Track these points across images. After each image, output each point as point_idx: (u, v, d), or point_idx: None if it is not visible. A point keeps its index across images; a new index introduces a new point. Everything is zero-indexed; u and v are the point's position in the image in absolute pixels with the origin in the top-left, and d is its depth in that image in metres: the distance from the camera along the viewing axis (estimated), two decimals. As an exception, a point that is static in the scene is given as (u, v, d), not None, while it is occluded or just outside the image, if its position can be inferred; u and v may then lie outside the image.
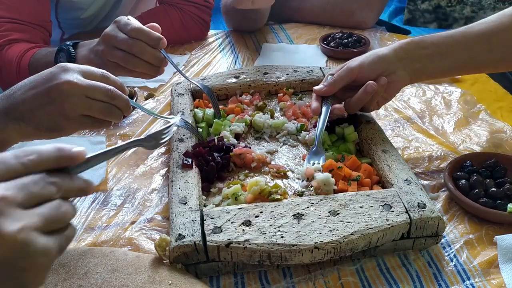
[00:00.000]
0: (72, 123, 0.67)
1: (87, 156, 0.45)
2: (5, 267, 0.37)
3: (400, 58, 0.84)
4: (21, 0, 1.10)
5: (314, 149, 0.83)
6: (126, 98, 0.70)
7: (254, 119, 0.93)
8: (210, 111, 0.95)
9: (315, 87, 0.89)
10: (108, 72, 0.70)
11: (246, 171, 0.82)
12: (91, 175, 0.86)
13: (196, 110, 0.97)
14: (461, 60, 0.86)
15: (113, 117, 0.70)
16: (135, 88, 1.14)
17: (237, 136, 0.90)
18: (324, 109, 0.87)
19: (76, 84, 0.64)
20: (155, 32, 0.86)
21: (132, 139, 0.60)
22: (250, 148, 0.87)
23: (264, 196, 0.73)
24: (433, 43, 0.84)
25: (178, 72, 0.93)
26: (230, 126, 0.91)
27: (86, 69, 0.68)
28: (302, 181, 0.79)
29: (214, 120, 0.92)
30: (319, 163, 0.79)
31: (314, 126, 0.92)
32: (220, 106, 0.99)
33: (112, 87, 0.68)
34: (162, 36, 0.86)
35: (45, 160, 0.41)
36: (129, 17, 0.88)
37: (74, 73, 0.65)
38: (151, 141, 0.64)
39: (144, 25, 0.90)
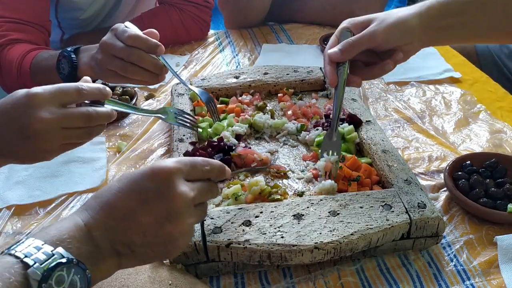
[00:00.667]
0: (53, 153, 0.66)
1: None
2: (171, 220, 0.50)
3: (423, 28, 0.78)
4: (21, 0, 1.10)
5: (330, 134, 0.79)
6: (105, 112, 0.67)
7: (254, 119, 0.93)
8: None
9: (330, 51, 0.79)
10: (81, 84, 0.65)
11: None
12: (91, 176, 0.86)
13: (196, 107, 0.97)
14: (479, 31, 0.81)
15: (94, 135, 0.68)
16: (135, 89, 1.14)
17: (238, 137, 0.90)
18: (339, 81, 0.78)
19: (48, 121, 0.60)
20: (152, 39, 0.85)
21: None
22: (250, 148, 0.87)
23: (264, 196, 0.73)
24: (456, 12, 0.78)
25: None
26: (232, 127, 0.91)
27: (58, 91, 0.63)
28: (320, 179, 0.77)
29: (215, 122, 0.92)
30: (334, 154, 0.77)
31: (314, 126, 0.92)
32: (220, 106, 0.99)
33: (88, 110, 0.65)
34: (159, 43, 0.85)
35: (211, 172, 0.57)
36: (127, 23, 0.88)
37: (45, 104, 0.61)
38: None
39: (143, 26, 0.90)
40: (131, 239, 0.49)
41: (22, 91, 0.62)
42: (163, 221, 0.50)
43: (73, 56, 0.95)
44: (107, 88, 0.68)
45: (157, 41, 0.85)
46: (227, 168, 0.59)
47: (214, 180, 0.58)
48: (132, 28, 0.86)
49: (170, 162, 0.52)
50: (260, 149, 0.88)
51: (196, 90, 0.96)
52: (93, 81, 1.03)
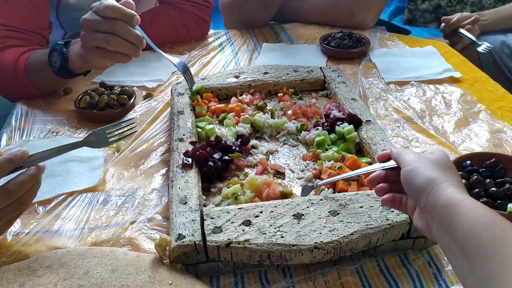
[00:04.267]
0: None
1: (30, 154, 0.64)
2: None
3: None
4: (21, 9, 1.10)
5: None
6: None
7: (254, 119, 0.93)
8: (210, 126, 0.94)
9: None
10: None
11: (246, 171, 0.82)
12: (89, 175, 0.86)
13: (196, 107, 0.97)
14: None
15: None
16: (134, 88, 1.14)
17: (241, 136, 0.89)
18: None
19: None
20: (128, 9, 0.86)
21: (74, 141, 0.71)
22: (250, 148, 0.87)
23: (268, 185, 0.74)
24: None
25: (177, 70, 0.93)
26: (235, 128, 0.91)
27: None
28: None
29: (207, 126, 0.92)
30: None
31: (314, 126, 0.92)
32: (220, 106, 0.99)
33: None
34: (135, 13, 0.87)
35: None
36: None
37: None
38: (95, 140, 0.73)
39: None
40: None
41: None
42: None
43: (64, 49, 0.96)
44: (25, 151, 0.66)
45: (133, 11, 0.87)
46: None
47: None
48: (108, 0, 0.88)
49: None
50: (260, 149, 0.88)
51: (172, 59, 0.98)
52: (84, 74, 1.05)
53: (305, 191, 0.74)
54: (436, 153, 0.59)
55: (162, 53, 0.98)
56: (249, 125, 0.93)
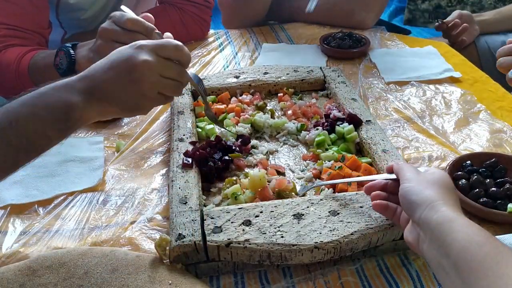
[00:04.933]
0: (150, 101, 0.70)
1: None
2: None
3: None
4: (20, 8, 1.10)
5: None
6: (188, 74, 0.74)
7: (254, 119, 0.93)
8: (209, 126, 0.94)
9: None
10: (180, 44, 0.71)
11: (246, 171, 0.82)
12: (89, 175, 0.86)
13: (196, 107, 0.97)
14: None
15: (179, 93, 0.74)
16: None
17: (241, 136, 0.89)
18: None
19: (151, 64, 0.66)
20: (149, 23, 0.86)
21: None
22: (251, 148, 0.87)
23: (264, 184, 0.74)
24: None
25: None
26: (235, 127, 0.91)
27: (160, 43, 0.70)
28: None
29: (207, 126, 0.92)
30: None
31: (314, 126, 0.92)
32: (220, 106, 0.99)
33: (180, 66, 0.72)
34: (155, 27, 0.86)
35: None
36: (123, 7, 0.89)
37: (149, 51, 0.67)
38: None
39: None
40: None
41: (125, 46, 0.69)
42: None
43: (71, 51, 0.95)
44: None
45: (153, 26, 0.86)
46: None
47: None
48: (129, 13, 0.88)
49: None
50: (260, 149, 0.88)
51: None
52: None
53: (304, 189, 0.75)
54: (437, 174, 0.60)
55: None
56: (249, 125, 0.93)
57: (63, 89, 0.64)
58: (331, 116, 0.93)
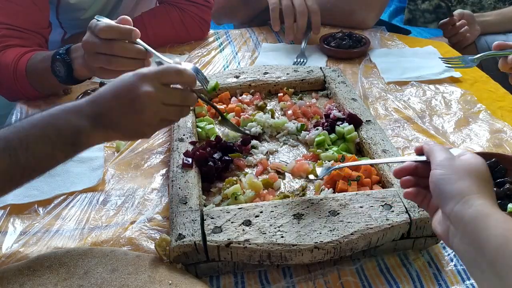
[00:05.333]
0: (153, 128, 0.72)
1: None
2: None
3: None
4: (20, 7, 1.10)
5: None
6: (194, 96, 0.74)
7: (254, 119, 0.93)
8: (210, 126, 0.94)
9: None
10: (181, 68, 0.72)
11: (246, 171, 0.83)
12: (89, 175, 0.86)
13: (196, 107, 0.97)
14: None
15: (184, 115, 0.75)
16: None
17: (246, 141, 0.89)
18: None
19: (154, 95, 0.67)
20: (124, 26, 0.85)
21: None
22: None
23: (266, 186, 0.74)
24: None
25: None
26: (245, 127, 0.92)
27: (161, 72, 0.70)
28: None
29: (207, 126, 0.92)
30: None
31: (314, 126, 0.92)
32: (220, 107, 0.99)
33: (184, 90, 0.72)
34: (133, 28, 0.85)
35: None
36: (97, 16, 0.88)
37: (151, 80, 0.68)
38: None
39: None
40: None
41: (129, 74, 0.69)
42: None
43: (67, 58, 0.95)
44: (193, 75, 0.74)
45: (130, 27, 0.85)
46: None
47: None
48: (102, 21, 0.86)
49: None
50: (260, 149, 0.88)
51: (182, 64, 0.94)
52: (90, 78, 1.04)
53: (325, 171, 0.73)
54: (473, 161, 0.54)
55: (169, 60, 0.95)
56: (259, 126, 0.93)
57: (73, 113, 0.66)
58: (331, 116, 0.93)
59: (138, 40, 0.86)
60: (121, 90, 0.67)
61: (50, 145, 0.64)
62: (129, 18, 0.88)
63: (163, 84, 0.69)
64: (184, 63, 0.90)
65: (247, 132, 0.91)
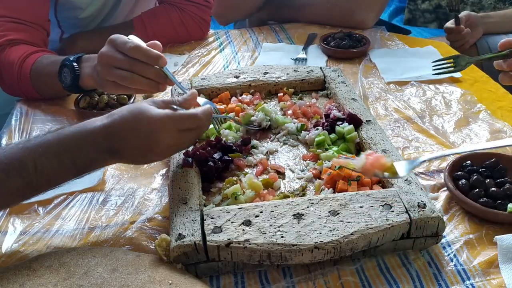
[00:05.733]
0: (164, 157, 0.77)
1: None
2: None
3: None
4: (22, 1, 1.10)
5: None
6: (206, 124, 0.75)
7: (263, 107, 0.94)
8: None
9: None
10: (199, 113, 0.72)
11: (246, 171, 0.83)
12: (89, 176, 0.85)
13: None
14: None
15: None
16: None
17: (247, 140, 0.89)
18: None
19: (172, 142, 0.70)
20: (154, 50, 0.83)
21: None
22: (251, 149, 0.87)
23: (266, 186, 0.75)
24: None
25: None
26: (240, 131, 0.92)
27: (179, 118, 0.70)
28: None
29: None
30: None
31: (314, 126, 0.92)
32: (219, 107, 0.99)
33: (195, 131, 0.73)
34: (161, 55, 0.84)
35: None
36: (131, 36, 0.86)
37: (170, 130, 0.68)
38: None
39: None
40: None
41: (144, 111, 0.68)
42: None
43: (75, 65, 0.94)
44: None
45: (159, 53, 0.84)
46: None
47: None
48: (134, 40, 0.85)
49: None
50: (260, 149, 0.88)
51: (201, 101, 0.90)
52: (93, 91, 1.04)
53: (409, 167, 0.71)
54: None
55: (187, 91, 0.90)
56: (264, 113, 0.93)
57: (90, 145, 0.67)
58: (331, 116, 0.93)
59: (165, 68, 0.85)
60: (139, 135, 0.68)
61: (64, 171, 0.66)
62: (159, 44, 0.86)
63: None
64: (200, 99, 0.90)
65: (255, 126, 0.91)
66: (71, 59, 0.96)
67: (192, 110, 0.72)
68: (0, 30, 1.08)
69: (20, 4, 1.10)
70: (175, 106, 0.73)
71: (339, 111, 0.94)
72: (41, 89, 1.08)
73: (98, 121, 0.68)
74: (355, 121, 0.89)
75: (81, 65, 0.95)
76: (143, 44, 0.84)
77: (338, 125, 0.89)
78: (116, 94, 1.03)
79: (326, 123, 0.91)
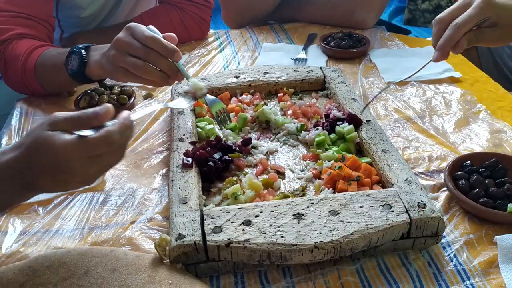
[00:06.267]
0: (92, 180, 0.64)
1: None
2: None
3: None
4: None
5: None
6: (123, 141, 0.62)
7: (262, 109, 0.94)
8: (210, 126, 0.93)
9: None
10: (99, 109, 0.59)
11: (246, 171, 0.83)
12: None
13: (196, 107, 0.98)
14: None
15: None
16: (134, 88, 1.14)
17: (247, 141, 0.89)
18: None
19: (85, 165, 0.58)
20: (170, 44, 0.84)
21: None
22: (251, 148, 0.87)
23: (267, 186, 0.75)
24: None
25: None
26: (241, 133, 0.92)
27: (92, 146, 0.58)
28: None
29: (207, 126, 0.92)
30: None
31: (314, 126, 0.92)
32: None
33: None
34: (177, 49, 0.84)
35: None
36: (150, 27, 0.87)
37: (76, 154, 0.57)
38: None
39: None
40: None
41: (44, 147, 0.57)
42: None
43: (83, 52, 0.94)
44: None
45: (175, 47, 0.84)
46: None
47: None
48: (153, 30, 0.86)
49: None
50: (260, 149, 0.88)
51: (210, 98, 0.91)
52: (99, 82, 1.04)
53: None
54: None
55: (202, 85, 0.90)
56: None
57: (6, 181, 0.59)
58: (331, 116, 0.93)
59: (179, 63, 0.85)
60: (46, 166, 0.58)
61: None
62: (175, 37, 0.87)
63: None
64: (210, 96, 0.89)
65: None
66: (80, 46, 0.96)
67: (103, 132, 0.58)
68: (6, 24, 1.08)
69: (25, 0, 1.10)
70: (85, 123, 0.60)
71: (339, 111, 0.94)
72: (45, 82, 1.07)
73: (6, 154, 0.59)
74: (355, 121, 0.89)
75: (89, 53, 0.95)
76: (160, 35, 0.85)
77: (338, 125, 0.89)
78: (124, 82, 1.02)
79: (326, 123, 0.91)
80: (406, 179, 0.73)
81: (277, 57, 1.30)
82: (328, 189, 0.76)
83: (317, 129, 0.90)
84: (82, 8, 1.30)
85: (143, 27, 0.85)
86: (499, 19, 0.80)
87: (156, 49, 0.83)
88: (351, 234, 0.64)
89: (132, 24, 0.86)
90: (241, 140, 0.88)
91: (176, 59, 0.85)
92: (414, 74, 0.91)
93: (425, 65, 0.88)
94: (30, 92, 1.11)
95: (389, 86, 1.03)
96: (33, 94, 1.12)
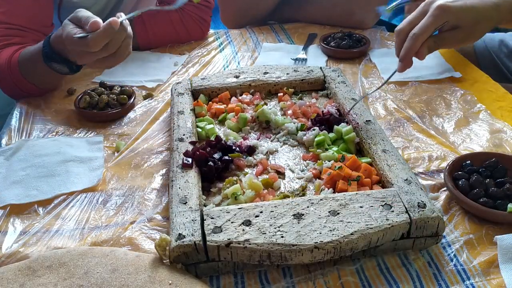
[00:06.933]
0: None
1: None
2: None
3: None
4: (23, 6, 1.10)
5: None
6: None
7: (262, 109, 0.94)
8: (210, 126, 0.94)
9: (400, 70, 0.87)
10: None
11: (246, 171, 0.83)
12: (88, 175, 0.86)
13: (196, 107, 0.98)
14: None
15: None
16: (134, 88, 1.14)
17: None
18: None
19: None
20: (105, 28, 0.87)
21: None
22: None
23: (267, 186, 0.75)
24: None
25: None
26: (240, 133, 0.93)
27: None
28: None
29: (207, 126, 0.92)
30: None
31: (308, 129, 0.92)
32: (219, 107, 0.99)
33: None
34: (109, 22, 0.87)
35: None
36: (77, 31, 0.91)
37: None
38: None
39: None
40: None
41: None
42: None
43: (56, 57, 0.97)
44: None
45: (105, 24, 0.87)
46: None
47: None
48: (78, 33, 0.90)
49: None
50: (260, 149, 0.88)
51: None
52: (76, 69, 1.05)
53: None
54: None
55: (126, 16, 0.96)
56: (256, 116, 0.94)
57: None
58: (324, 112, 0.95)
59: (121, 15, 0.91)
60: None
61: None
62: (99, 20, 0.89)
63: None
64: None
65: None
66: (46, 51, 0.98)
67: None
68: (0, 35, 1.09)
69: (21, 11, 1.11)
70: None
71: (337, 111, 0.95)
72: (32, 77, 1.07)
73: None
74: (329, 123, 0.91)
75: (55, 48, 0.98)
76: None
77: (338, 125, 0.89)
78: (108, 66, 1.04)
79: (315, 121, 0.92)
80: (406, 179, 0.73)
81: (277, 57, 1.30)
82: (328, 189, 0.76)
83: (314, 130, 0.90)
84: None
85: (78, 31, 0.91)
86: (459, 21, 0.81)
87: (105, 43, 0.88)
88: (351, 234, 0.64)
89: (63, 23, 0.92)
90: (247, 146, 0.87)
91: (116, 28, 0.88)
92: (382, 85, 0.95)
93: (391, 75, 0.90)
94: (26, 93, 1.11)
95: (367, 95, 1.07)
96: (30, 95, 1.11)
